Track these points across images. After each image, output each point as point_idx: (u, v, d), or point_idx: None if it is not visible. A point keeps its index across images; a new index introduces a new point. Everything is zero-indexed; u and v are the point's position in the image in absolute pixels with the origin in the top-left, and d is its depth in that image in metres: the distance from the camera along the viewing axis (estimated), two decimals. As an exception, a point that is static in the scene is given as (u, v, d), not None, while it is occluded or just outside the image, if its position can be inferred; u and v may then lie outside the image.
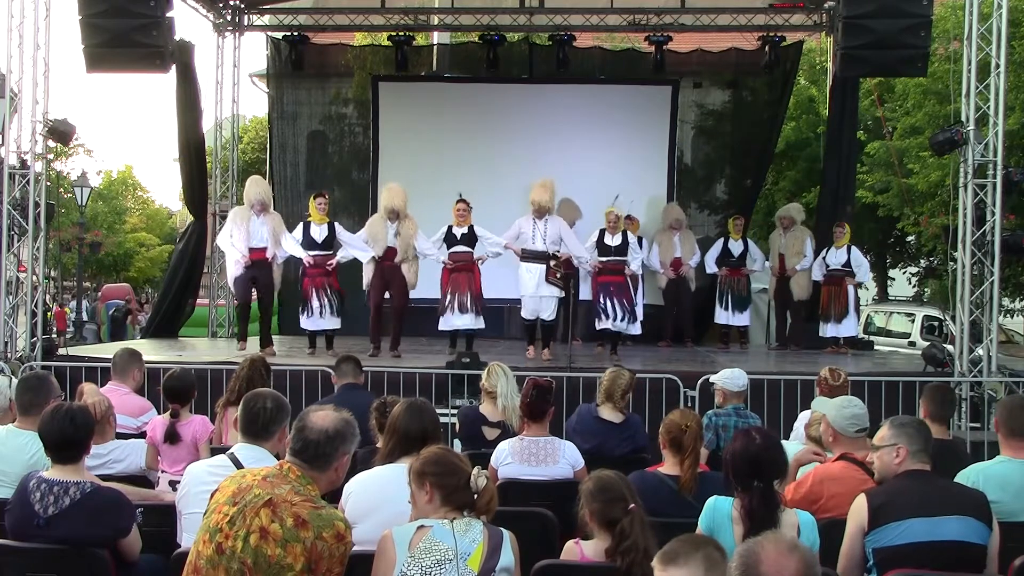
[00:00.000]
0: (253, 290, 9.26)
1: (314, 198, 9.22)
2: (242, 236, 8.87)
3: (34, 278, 8.65)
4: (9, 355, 8.34)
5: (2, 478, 4.02)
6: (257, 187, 9.15)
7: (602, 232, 9.52)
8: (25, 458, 4.01)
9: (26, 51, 8.41)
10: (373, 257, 8.90)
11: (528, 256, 8.88)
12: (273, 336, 9.97)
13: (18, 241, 8.52)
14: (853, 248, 10.46)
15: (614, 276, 9.40)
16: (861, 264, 10.53)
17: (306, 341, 9.48)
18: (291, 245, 8.98)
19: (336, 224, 9.17)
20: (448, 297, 8.97)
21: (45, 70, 8.46)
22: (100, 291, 24.18)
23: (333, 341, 9.26)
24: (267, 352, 8.74)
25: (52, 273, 11.39)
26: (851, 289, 10.36)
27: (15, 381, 4.77)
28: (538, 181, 9.09)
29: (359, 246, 8.95)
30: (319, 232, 8.98)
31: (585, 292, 9.90)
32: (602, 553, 3.09)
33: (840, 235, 10.43)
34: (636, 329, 9.73)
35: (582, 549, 3.18)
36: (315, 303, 8.93)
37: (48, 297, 10.36)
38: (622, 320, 9.24)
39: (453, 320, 8.99)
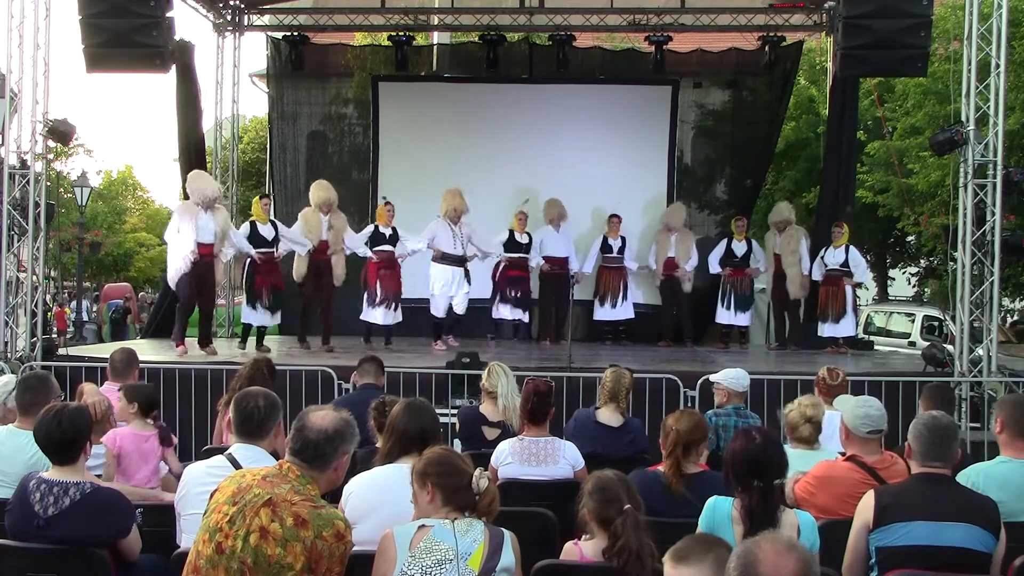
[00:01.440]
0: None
1: (259, 199, 9.55)
2: (191, 231, 8.66)
3: (34, 278, 8.64)
4: (9, 355, 8.34)
5: (2, 478, 4.03)
6: (205, 183, 8.99)
7: (512, 231, 10.49)
8: (25, 458, 4.02)
9: (26, 51, 8.41)
10: (309, 250, 9.38)
11: (447, 259, 9.78)
12: (272, 336, 10.13)
13: (18, 241, 8.51)
14: (851, 248, 10.42)
15: (521, 271, 10.49)
16: (859, 264, 10.49)
17: (248, 336, 9.60)
18: (241, 241, 9.09)
19: (277, 222, 9.50)
20: (377, 293, 9.56)
21: (45, 70, 8.46)
22: (102, 291, 24.15)
23: (263, 338, 9.47)
24: (209, 352, 8.85)
25: (52, 273, 11.36)
26: (849, 289, 10.32)
27: (15, 381, 4.75)
28: (450, 189, 10.03)
29: (299, 239, 9.36)
30: (267, 231, 9.20)
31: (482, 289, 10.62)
32: (600, 553, 3.10)
33: (838, 235, 10.41)
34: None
35: (581, 550, 3.19)
36: (264, 300, 9.14)
37: (48, 297, 10.35)
38: (523, 311, 10.45)
39: (376, 314, 9.61)
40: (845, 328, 10.37)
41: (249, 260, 9.20)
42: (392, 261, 9.73)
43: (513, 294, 10.49)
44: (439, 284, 9.84)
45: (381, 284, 9.62)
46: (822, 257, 10.45)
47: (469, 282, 10.00)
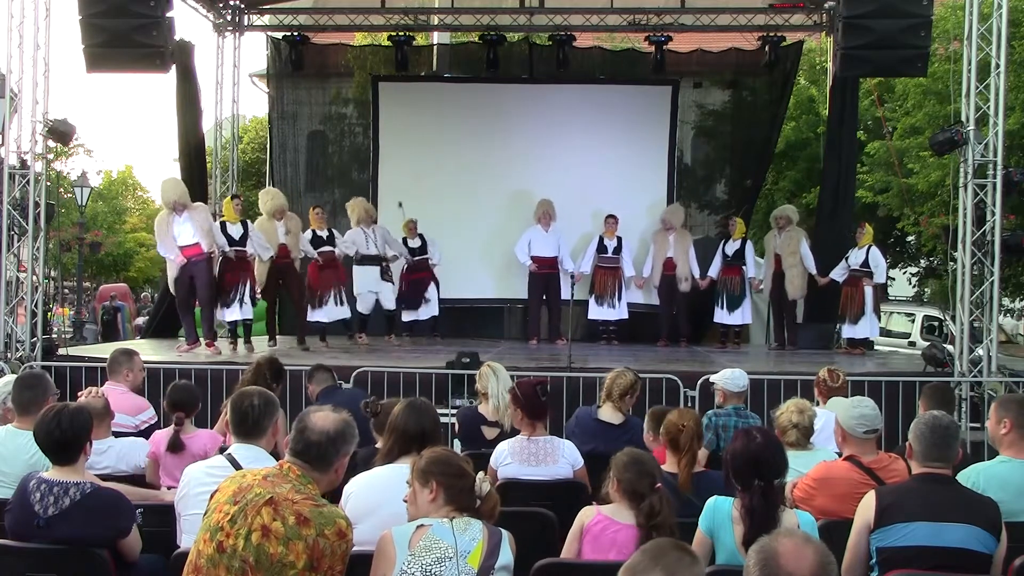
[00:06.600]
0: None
1: (231, 199, 9.70)
2: (169, 240, 8.84)
3: (34, 278, 8.64)
4: (9, 355, 8.34)
5: (2, 478, 4.03)
6: (168, 189, 9.10)
7: (405, 239, 10.99)
8: (25, 458, 4.02)
9: (26, 51, 8.41)
10: (271, 256, 9.58)
11: (366, 260, 10.38)
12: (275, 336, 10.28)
13: (18, 241, 8.51)
14: (872, 248, 10.30)
15: (420, 273, 10.96)
16: (879, 264, 10.32)
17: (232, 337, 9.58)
18: (219, 238, 9.15)
19: (248, 222, 9.58)
20: (321, 292, 9.96)
21: (45, 70, 8.46)
22: (97, 292, 24.01)
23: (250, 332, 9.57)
24: (193, 348, 8.99)
25: (52, 273, 11.37)
26: (868, 290, 10.21)
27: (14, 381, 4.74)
28: (355, 200, 10.68)
29: (263, 245, 9.47)
30: (236, 231, 9.27)
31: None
32: (619, 513, 3.32)
33: (860, 235, 10.38)
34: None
35: (600, 509, 3.37)
36: (238, 295, 9.20)
37: (47, 297, 10.34)
38: (420, 308, 10.97)
39: (329, 312, 9.97)
40: (863, 330, 10.28)
41: (222, 258, 9.19)
42: (334, 262, 10.13)
43: (413, 295, 10.97)
44: (361, 283, 10.42)
45: (330, 284, 9.98)
46: (846, 258, 10.39)
47: (391, 280, 10.61)
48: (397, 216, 11.15)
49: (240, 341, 9.38)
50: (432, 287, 11.02)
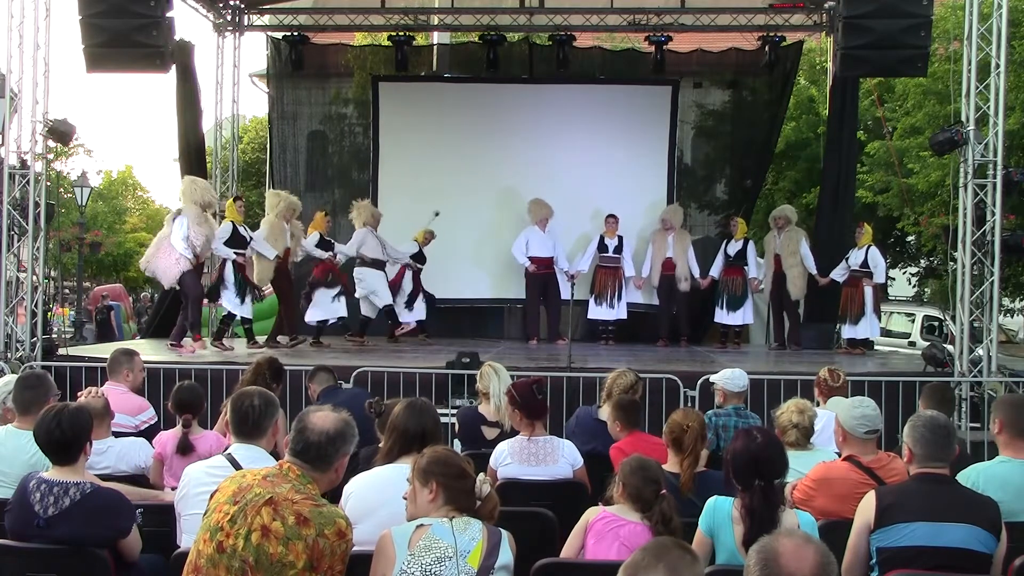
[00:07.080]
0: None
1: (234, 200, 9.73)
2: (199, 238, 8.98)
3: (34, 278, 8.64)
4: (9, 355, 8.34)
5: (2, 478, 4.03)
6: (208, 190, 9.35)
7: (420, 247, 11.14)
8: (25, 458, 4.02)
9: (26, 51, 8.41)
10: (277, 256, 9.71)
11: (376, 264, 10.43)
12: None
13: (18, 241, 8.51)
14: (871, 248, 10.30)
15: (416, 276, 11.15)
16: (878, 264, 10.31)
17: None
18: (218, 245, 9.24)
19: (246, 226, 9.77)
20: (328, 290, 10.03)
21: (45, 70, 8.46)
22: (91, 293, 23.93)
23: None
24: (200, 345, 9.21)
25: (52, 273, 11.39)
26: (868, 290, 10.21)
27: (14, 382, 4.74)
28: (362, 203, 10.74)
29: (265, 247, 9.58)
30: (244, 231, 9.39)
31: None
32: (624, 512, 3.39)
33: (859, 235, 10.38)
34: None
35: (605, 508, 3.43)
36: (249, 296, 9.40)
37: (47, 297, 10.37)
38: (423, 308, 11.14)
39: (336, 309, 10.05)
40: (863, 330, 10.27)
41: (235, 261, 9.23)
42: (335, 265, 10.28)
43: (414, 295, 11.06)
44: (371, 284, 10.39)
45: (337, 282, 10.05)
46: (846, 258, 10.38)
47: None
48: (409, 219, 11.16)
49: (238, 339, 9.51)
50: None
